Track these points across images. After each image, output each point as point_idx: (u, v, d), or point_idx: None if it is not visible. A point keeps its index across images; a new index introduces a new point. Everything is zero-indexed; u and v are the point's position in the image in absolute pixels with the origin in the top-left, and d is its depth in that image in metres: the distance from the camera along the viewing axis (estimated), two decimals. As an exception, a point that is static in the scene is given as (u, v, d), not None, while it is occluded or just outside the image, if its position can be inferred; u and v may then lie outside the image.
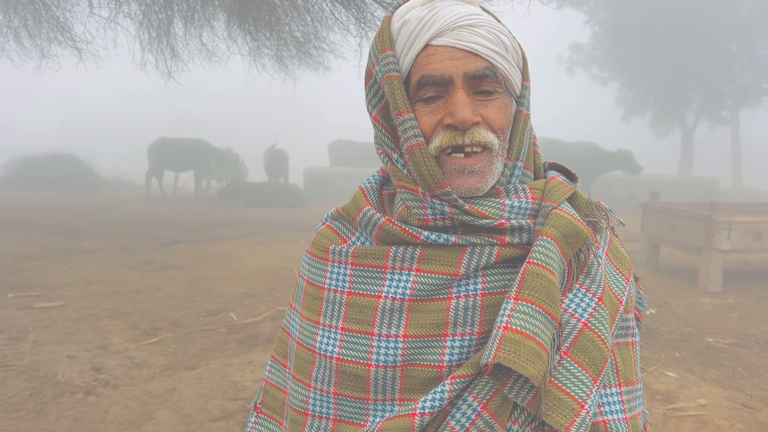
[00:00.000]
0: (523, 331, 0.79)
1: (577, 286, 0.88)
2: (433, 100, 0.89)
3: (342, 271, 0.96)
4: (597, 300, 0.87)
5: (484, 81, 0.87)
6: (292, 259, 8.17)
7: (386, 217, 0.93)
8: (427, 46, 0.88)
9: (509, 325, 0.79)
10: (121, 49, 10.23)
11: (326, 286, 0.98)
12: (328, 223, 1.06)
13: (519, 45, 0.95)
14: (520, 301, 0.81)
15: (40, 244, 8.94)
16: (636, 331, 0.98)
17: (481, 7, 0.94)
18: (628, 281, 0.98)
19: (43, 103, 45.09)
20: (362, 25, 8.89)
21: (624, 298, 0.95)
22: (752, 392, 4.15)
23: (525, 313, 0.80)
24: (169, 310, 5.61)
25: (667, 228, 8.08)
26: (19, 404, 3.59)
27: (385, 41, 0.91)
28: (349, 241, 1.00)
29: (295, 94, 12.05)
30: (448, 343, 0.88)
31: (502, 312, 0.82)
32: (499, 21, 0.94)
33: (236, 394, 3.85)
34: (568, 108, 52.30)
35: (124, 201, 16.49)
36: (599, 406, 0.88)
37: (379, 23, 9.35)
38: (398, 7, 0.95)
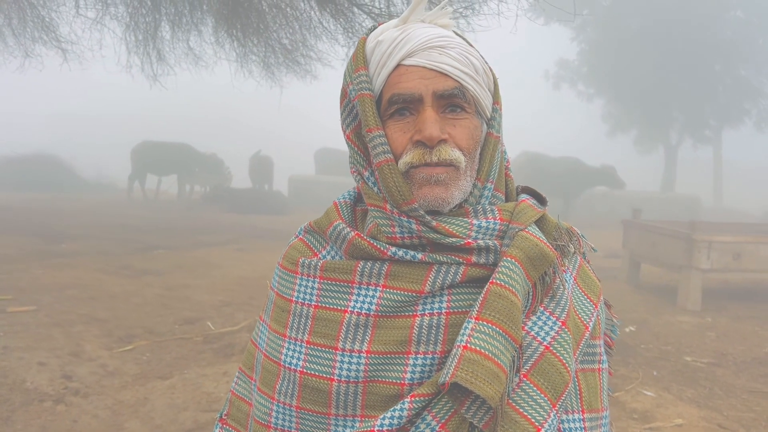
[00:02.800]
0: (482, 351, 0.79)
1: (541, 308, 0.88)
2: (403, 118, 0.91)
3: (310, 284, 0.97)
4: (560, 324, 0.87)
5: (453, 100, 0.90)
6: (273, 267, 8.06)
7: (355, 232, 0.94)
8: (398, 66, 0.90)
9: (468, 345, 0.79)
10: (107, 51, 10.15)
11: (294, 298, 0.98)
12: (300, 236, 1.07)
13: (490, 69, 0.97)
14: (480, 321, 0.82)
15: (17, 246, 8.80)
16: (603, 357, 0.98)
17: (453, 31, 0.96)
18: (597, 307, 0.97)
19: (26, 102, 44.61)
20: (350, 34, 8.89)
21: (591, 323, 0.94)
22: (728, 413, 4.15)
23: (485, 333, 0.80)
24: (145, 317, 5.53)
25: (649, 245, 8.13)
26: (-15, 412, 3.49)
27: (359, 61, 0.93)
28: (320, 255, 1.01)
29: (281, 101, 12.02)
30: (411, 361, 0.88)
31: (462, 332, 0.82)
32: (471, 45, 0.96)
33: (209, 405, 3.79)
34: (552, 123, 52.72)
35: (105, 204, 16.32)
36: (560, 431, 0.87)
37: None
38: (373, 29, 0.97)
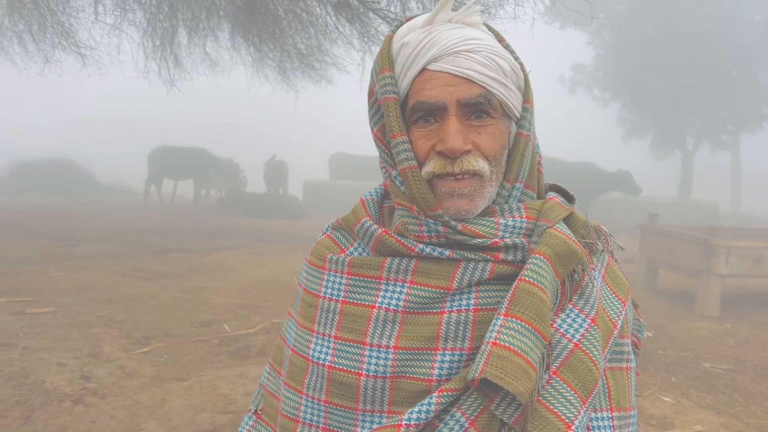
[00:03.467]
0: (511, 347, 0.79)
1: (570, 306, 0.88)
2: (428, 125, 0.90)
3: (338, 280, 0.98)
4: (590, 321, 0.87)
5: (479, 107, 0.88)
6: (288, 271, 8.13)
7: (383, 229, 0.95)
8: (423, 70, 0.89)
9: (497, 341, 0.79)
10: (125, 56, 10.25)
11: (322, 294, 0.99)
12: (328, 232, 1.08)
13: (521, 66, 0.95)
14: (509, 318, 0.81)
15: (36, 248, 8.89)
16: (631, 356, 0.97)
17: (485, 24, 0.95)
18: (625, 305, 0.96)
19: (45, 107, 45.16)
20: (365, 39, 8.92)
21: (619, 322, 0.93)
22: (749, 420, 4.10)
23: (514, 329, 0.80)
24: (162, 320, 5.56)
25: (666, 251, 8.06)
26: (6, 411, 3.53)
27: (384, 62, 0.92)
28: (347, 251, 1.01)
29: (296, 105, 12.07)
30: (439, 357, 0.88)
31: (491, 328, 0.82)
32: (502, 40, 0.95)
33: (226, 407, 3.80)
34: (568, 128, 52.48)
35: (121, 207, 16.46)
36: (588, 429, 0.87)
37: (382, 38, 9.39)
38: (401, 25, 0.96)
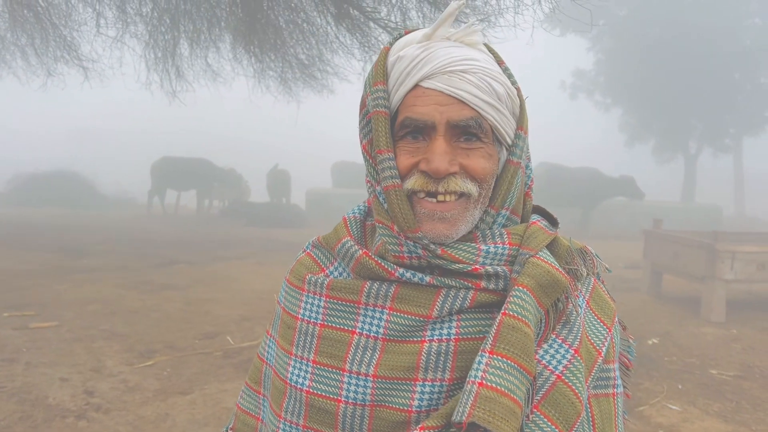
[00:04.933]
0: (498, 388, 0.76)
1: (553, 336, 0.85)
2: (415, 141, 0.88)
3: (316, 302, 0.96)
4: (573, 351, 0.84)
5: (468, 130, 0.86)
6: (291, 281, 8.09)
7: (363, 250, 0.92)
8: (416, 86, 0.87)
9: (484, 381, 0.77)
10: (127, 68, 10.31)
11: (300, 316, 0.97)
12: (308, 250, 1.05)
13: (518, 92, 0.92)
14: (495, 356, 0.79)
15: (39, 262, 8.90)
16: (618, 382, 0.94)
17: (485, 45, 0.92)
18: (610, 330, 0.94)
19: (48, 119, 45.36)
20: (366, 49, 8.94)
21: (604, 348, 0.91)
22: (757, 427, 4.06)
23: (500, 368, 0.78)
24: (165, 332, 5.55)
25: (670, 256, 8.02)
26: (8, 428, 3.52)
27: (378, 74, 0.91)
28: (327, 271, 0.99)
29: (298, 115, 12.11)
30: (418, 388, 0.86)
31: (476, 366, 0.79)
32: (501, 63, 0.92)
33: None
34: (570, 133, 52.50)
35: (125, 219, 16.49)
36: None
37: (382, 47, 9.39)
38: (399, 37, 0.94)
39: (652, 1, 23.33)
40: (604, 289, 0.99)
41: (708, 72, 22.60)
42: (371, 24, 8.46)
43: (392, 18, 8.21)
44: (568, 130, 52.84)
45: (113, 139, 45.10)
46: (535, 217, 0.97)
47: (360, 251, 0.92)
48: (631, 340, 1.04)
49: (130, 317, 6.02)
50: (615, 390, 0.93)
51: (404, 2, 8.09)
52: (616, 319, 0.98)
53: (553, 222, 0.98)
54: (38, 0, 9.38)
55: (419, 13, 8.01)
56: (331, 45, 9.73)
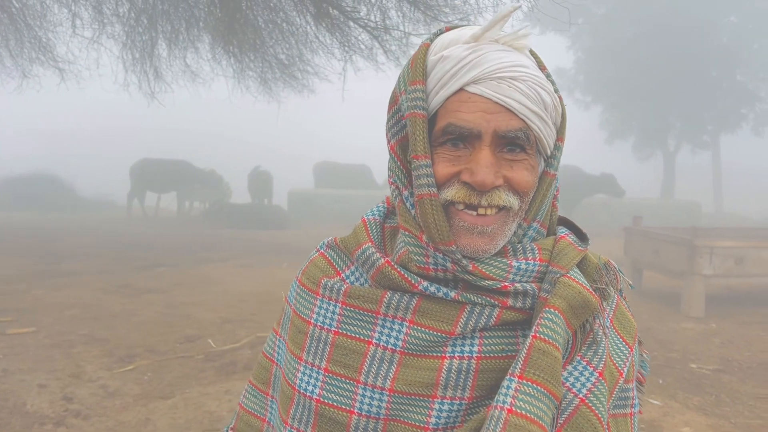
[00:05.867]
0: (528, 415, 0.74)
1: (578, 358, 0.83)
2: (455, 149, 0.83)
3: (331, 308, 0.91)
4: (597, 374, 0.81)
5: (515, 141, 0.82)
6: (274, 283, 8.07)
7: (386, 259, 0.88)
8: (461, 90, 0.82)
9: (513, 408, 0.75)
10: (104, 69, 10.19)
11: (313, 321, 0.93)
12: (322, 251, 1.01)
13: (561, 101, 0.89)
14: (524, 381, 0.77)
15: (17, 266, 8.77)
16: (636, 401, 0.93)
17: (531, 52, 0.88)
18: (632, 350, 0.92)
19: (25, 122, 44.73)
20: (346, 48, 8.92)
21: (625, 369, 0.89)
22: (735, 420, 4.11)
23: (530, 395, 0.76)
24: (146, 336, 5.49)
25: (650, 252, 8.10)
26: (-15, 436, 3.46)
27: (417, 72, 0.84)
28: (343, 275, 0.95)
29: (279, 116, 12.04)
30: (437, 405, 0.83)
31: (504, 390, 0.77)
32: (544, 68, 0.89)
33: (212, 425, 3.75)
34: (551, 131, 52.83)
35: (105, 222, 16.30)
36: None
37: (363, 47, 9.39)
38: (440, 35, 0.88)
39: (629, 0, 23.55)
40: (626, 306, 0.96)
41: (686, 70, 22.87)
42: (351, 23, 8.44)
43: (372, 17, 8.20)
44: (549, 128, 53.17)
45: (91, 141, 44.58)
46: (562, 231, 0.93)
47: (382, 259, 0.88)
48: (645, 355, 1.02)
49: (110, 321, 5.95)
50: (633, 410, 0.92)
51: (384, 2, 8.09)
52: (637, 338, 0.96)
53: (581, 236, 0.95)
54: (12, 1, 9.23)
55: (399, 13, 8.01)
56: (311, 45, 9.70)
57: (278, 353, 1.02)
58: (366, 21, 8.18)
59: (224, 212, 16.66)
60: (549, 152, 0.87)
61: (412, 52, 0.97)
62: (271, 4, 9.03)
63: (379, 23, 8.12)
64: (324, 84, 11.40)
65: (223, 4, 8.71)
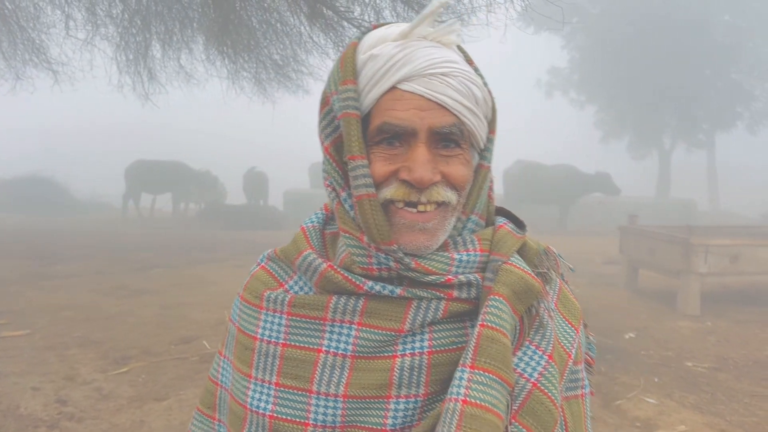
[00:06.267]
0: (482, 404, 0.74)
1: (527, 343, 0.83)
2: (391, 148, 0.83)
3: (276, 320, 0.89)
4: (547, 357, 0.82)
5: (450, 137, 0.82)
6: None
7: (328, 263, 0.87)
8: (393, 88, 0.82)
9: (468, 398, 0.74)
10: (98, 71, 10.15)
11: (258, 336, 0.90)
12: (263, 264, 0.99)
13: (490, 94, 0.89)
14: (476, 370, 0.76)
15: (10, 268, 8.73)
16: (586, 382, 0.94)
17: (458, 46, 0.88)
18: (578, 332, 0.93)
19: (19, 124, 44.60)
20: (340, 48, 8.89)
21: (573, 350, 0.90)
22: (731, 418, 4.12)
23: (482, 383, 0.76)
24: (141, 338, 5.47)
25: (646, 251, 8.11)
26: (-22, 440, 3.44)
27: (348, 72, 0.84)
28: (286, 285, 0.93)
29: (273, 116, 12.02)
30: (392, 406, 0.82)
31: (457, 382, 0.76)
32: (471, 62, 0.89)
33: (207, 426, 3.73)
34: (546, 131, 52.91)
35: (100, 224, 16.26)
36: None
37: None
38: (367, 32, 0.88)
39: (624, -1, 23.63)
40: (569, 289, 0.97)
41: (680, 68, 22.93)
42: (345, 23, 8.42)
43: (366, 17, 8.19)
44: (544, 127, 53.23)
45: (86, 143, 44.47)
46: (500, 220, 0.93)
47: (324, 264, 0.87)
48: (591, 337, 1.03)
49: (104, 323, 5.92)
50: (583, 390, 0.92)
51: (377, 1, 8.08)
52: (582, 320, 0.96)
53: (519, 224, 0.95)
54: (5, 2, 9.19)
55: (393, 12, 8.00)
56: (305, 45, 9.69)
57: (223, 375, 1.00)
58: (360, 21, 8.16)
59: (220, 213, 16.66)
60: (482, 145, 0.88)
61: None
62: (265, 5, 9.02)
63: (373, 23, 8.11)
64: (318, 84, 11.37)
65: (217, 5, 8.69)
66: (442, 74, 0.81)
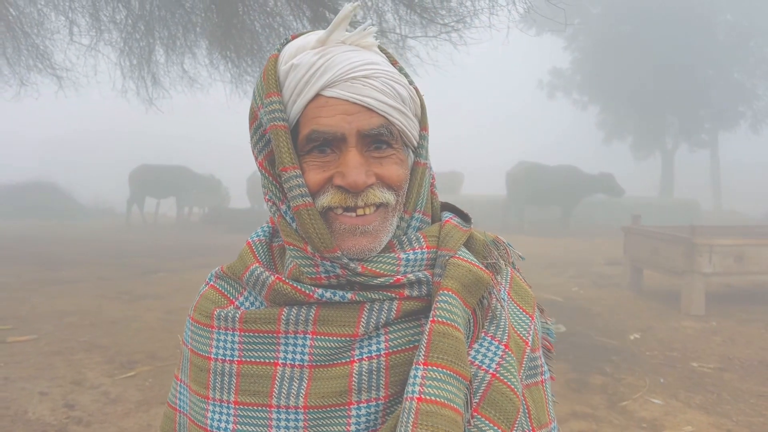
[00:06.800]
0: (438, 400, 0.74)
1: (482, 334, 0.84)
2: (323, 155, 0.83)
3: (229, 338, 0.88)
4: (503, 347, 0.83)
5: (379, 138, 0.83)
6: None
7: (276, 276, 0.86)
8: (317, 96, 0.82)
9: (422, 395, 0.75)
10: (102, 76, 10.20)
11: (212, 356, 0.89)
12: (212, 283, 0.97)
13: (417, 92, 0.90)
14: (430, 367, 0.77)
15: (15, 274, 8.77)
16: (545, 368, 0.94)
17: (379, 47, 0.89)
18: (533, 318, 0.93)
19: (23, 130, 44.73)
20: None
21: (530, 337, 0.91)
22: (737, 418, 4.11)
23: (437, 379, 0.76)
24: (146, 342, 5.49)
25: (650, 251, 8.11)
26: (-13, 445, 3.46)
27: (270, 84, 0.83)
28: (237, 302, 0.92)
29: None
30: (354, 412, 0.82)
31: (412, 380, 0.77)
32: (395, 63, 0.90)
33: (213, 429, 3.74)
34: (549, 132, 52.88)
35: (104, 229, 16.31)
36: None
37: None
38: (286, 44, 0.87)
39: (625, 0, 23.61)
40: (521, 277, 0.98)
41: (682, 68, 22.90)
42: (348, 27, 8.45)
43: (368, 21, 8.20)
44: (547, 128, 53.20)
45: (90, 148, 44.60)
46: (446, 215, 0.94)
47: (272, 277, 0.86)
48: (549, 322, 1.03)
49: (110, 328, 5.95)
50: (543, 377, 0.93)
51: (380, 5, 8.10)
52: (536, 306, 0.97)
53: (465, 218, 0.96)
54: (9, 8, 9.24)
55: (395, 15, 8.02)
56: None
57: (180, 399, 0.98)
58: (363, 25, 8.18)
59: (223, 217, 16.69)
60: (416, 143, 0.89)
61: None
62: (268, 9, 9.05)
63: (375, 26, 8.13)
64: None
65: (220, 9, 8.72)
66: (364, 77, 0.82)
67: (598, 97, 26.77)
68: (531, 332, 0.91)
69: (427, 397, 0.74)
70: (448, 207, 0.98)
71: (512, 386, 0.81)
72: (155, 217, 18.47)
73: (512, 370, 0.82)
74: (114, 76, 10.39)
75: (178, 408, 0.99)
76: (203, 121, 43.15)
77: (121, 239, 13.77)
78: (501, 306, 0.86)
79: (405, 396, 0.76)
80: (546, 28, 20.96)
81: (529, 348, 0.89)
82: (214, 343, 0.89)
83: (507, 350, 0.83)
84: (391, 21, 8.10)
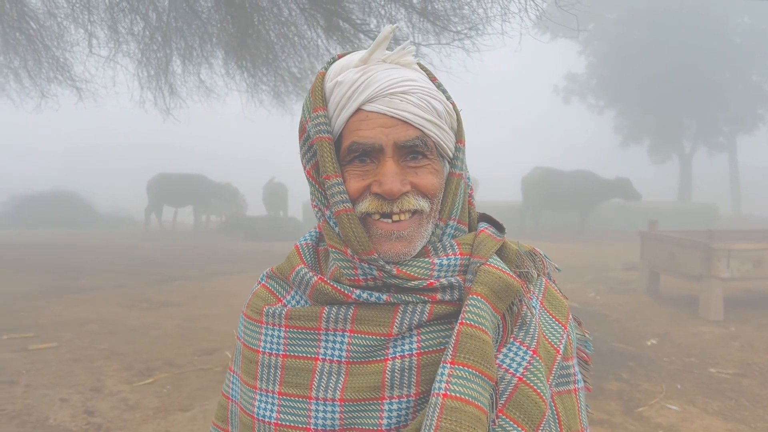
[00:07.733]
0: (463, 397, 0.79)
1: (511, 339, 0.88)
2: (363, 165, 0.90)
3: (276, 333, 0.96)
4: (531, 353, 0.87)
5: (415, 149, 0.89)
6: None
7: (318, 276, 0.94)
8: (358, 110, 0.89)
9: (448, 392, 0.79)
10: (120, 87, 10.35)
11: (261, 349, 0.98)
12: (263, 282, 1.07)
13: (454, 106, 0.96)
14: (456, 365, 0.81)
15: (37, 283, 8.90)
16: (578, 377, 0.98)
17: (419, 64, 0.96)
18: (566, 328, 0.97)
19: (44, 141, 45.40)
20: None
21: (561, 346, 0.94)
22: (756, 425, 4.08)
23: (462, 377, 0.80)
24: (165, 350, 5.55)
25: (667, 256, 8.05)
26: (9, 450, 3.52)
27: (317, 100, 0.91)
28: (284, 300, 1.00)
29: (292, 129, 12.13)
30: (386, 406, 0.87)
31: (439, 378, 0.82)
32: (434, 79, 0.96)
33: (230, 435, 3.78)
34: (565, 137, 52.62)
35: (122, 237, 16.49)
36: None
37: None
38: (333, 62, 0.95)
39: (640, 3, 23.47)
40: (556, 288, 1.02)
41: (699, 71, 22.72)
42: (361, 36, 8.50)
43: (381, 29, 8.26)
44: (563, 134, 52.94)
45: (109, 158, 45.14)
46: (482, 225, 1.00)
47: (315, 277, 0.93)
48: (587, 335, 1.07)
49: (128, 336, 6.02)
50: (576, 386, 0.97)
51: (393, 14, 8.15)
52: (571, 316, 1.01)
53: (500, 228, 1.01)
54: (30, 22, 9.42)
55: (408, 23, 8.07)
56: (322, 58, 9.78)
57: (233, 389, 1.07)
58: (376, 33, 8.24)
59: (240, 225, 16.80)
60: (451, 155, 0.95)
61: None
62: (282, 19, 9.14)
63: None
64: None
65: (236, 20, 8.83)
66: (402, 92, 0.89)
67: (615, 101, 26.61)
68: (563, 341, 0.95)
69: (453, 394, 0.79)
70: (485, 218, 1.04)
71: (538, 390, 0.85)
72: (173, 226, 18.64)
73: (539, 375, 0.86)
74: (132, 87, 10.54)
75: (230, 397, 1.08)
76: (220, 131, 43.52)
77: (140, 247, 13.92)
78: (531, 313, 0.90)
79: (432, 392, 0.81)
80: (560, 34, 20.92)
81: (560, 356, 0.93)
82: (263, 337, 0.98)
83: (535, 356, 0.87)
84: (405, 29, 8.15)
